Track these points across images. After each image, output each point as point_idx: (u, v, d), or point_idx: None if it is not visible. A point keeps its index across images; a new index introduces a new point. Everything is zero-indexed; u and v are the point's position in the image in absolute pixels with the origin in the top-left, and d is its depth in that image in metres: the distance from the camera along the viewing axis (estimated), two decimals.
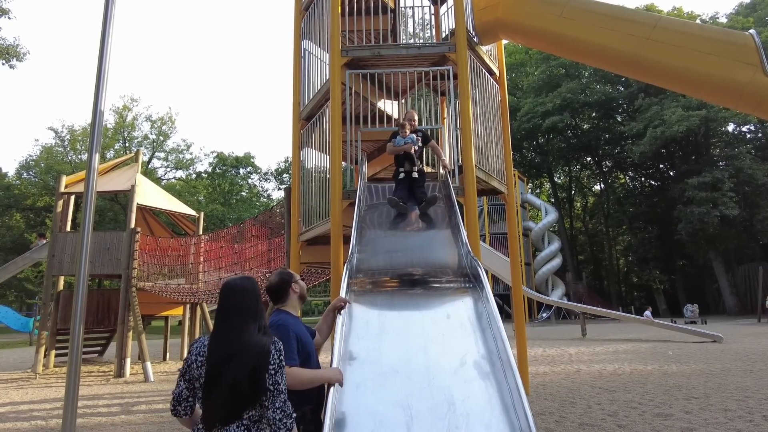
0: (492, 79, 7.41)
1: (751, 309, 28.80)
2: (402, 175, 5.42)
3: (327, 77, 6.51)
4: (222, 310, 2.12)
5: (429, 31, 8.27)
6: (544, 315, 32.65)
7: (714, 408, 6.77)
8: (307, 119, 7.32)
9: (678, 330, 18.26)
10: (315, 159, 7.09)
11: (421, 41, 7.57)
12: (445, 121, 7.84)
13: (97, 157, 6.77)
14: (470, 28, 6.65)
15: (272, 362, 1.98)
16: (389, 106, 7.54)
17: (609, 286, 41.44)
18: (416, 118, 5.93)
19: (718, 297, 33.77)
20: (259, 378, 1.96)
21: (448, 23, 7.16)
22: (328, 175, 6.23)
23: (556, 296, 31.38)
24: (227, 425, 1.95)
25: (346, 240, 5.44)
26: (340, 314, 3.17)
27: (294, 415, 2.05)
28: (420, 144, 5.65)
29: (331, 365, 2.78)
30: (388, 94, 7.22)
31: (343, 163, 6.23)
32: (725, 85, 5.43)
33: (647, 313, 20.20)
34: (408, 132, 5.57)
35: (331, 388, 2.56)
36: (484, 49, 7.17)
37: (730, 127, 34.28)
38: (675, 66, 5.67)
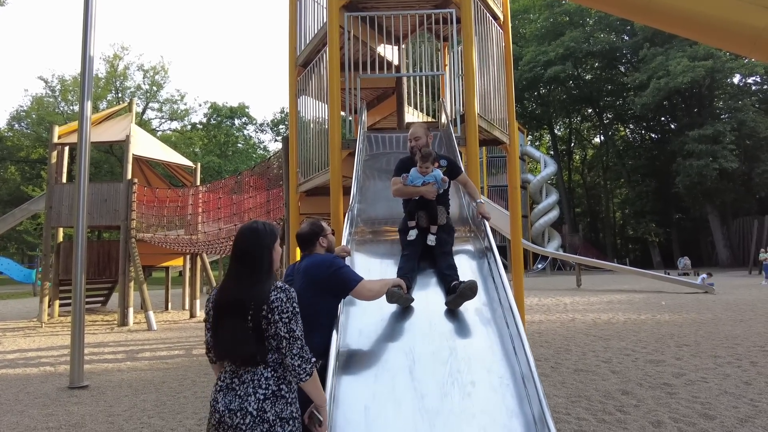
0: (496, 24, 7.12)
1: (743, 262, 29.25)
2: (413, 235, 3.44)
3: (324, 20, 6.25)
4: (232, 254, 2.13)
5: None
6: (540, 266, 33.17)
7: (704, 355, 6.96)
8: (303, 66, 7.08)
9: (672, 281, 18.61)
10: (313, 108, 6.92)
11: None
12: (447, 67, 7.61)
13: (89, 105, 6.59)
14: None
15: (285, 310, 1.98)
16: (389, 52, 7.28)
17: (605, 238, 41.87)
18: (423, 135, 3.76)
19: (712, 250, 34.21)
20: (264, 324, 1.96)
21: None
22: (326, 126, 6.09)
23: (552, 248, 31.74)
24: (255, 367, 1.97)
25: (345, 191, 5.38)
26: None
27: (314, 360, 2.06)
28: (447, 183, 3.59)
29: None
30: (388, 39, 6.96)
31: (341, 113, 6.08)
32: (739, 31, 5.17)
33: (703, 276, 17.99)
34: (431, 166, 3.51)
35: (335, 335, 2.58)
36: None
37: (736, 79, 33.61)
38: (685, 9, 5.38)
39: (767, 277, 19.75)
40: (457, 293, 2.96)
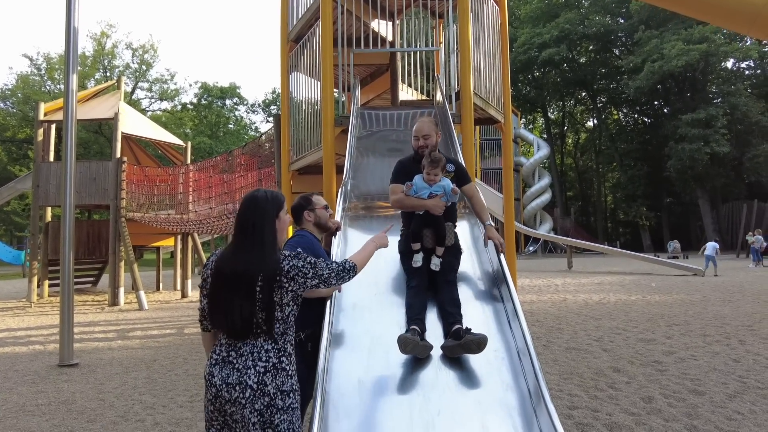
0: (492, 1, 6.99)
1: (731, 245, 29.57)
2: (419, 261, 2.91)
3: None
4: (234, 224, 2.06)
5: None
6: (531, 248, 33.36)
7: (694, 333, 7.04)
8: (295, 41, 6.93)
9: (661, 264, 18.80)
10: (305, 85, 6.79)
11: None
12: (442, 44, 7.48)
13: (75, 78, 6.41)
14: None
15: (306, 271, 1.98)
16: (383, 27, 7.14)
17: (596, 222, 42.12)
18: (433, 133, 3.19)
19: (701, 234, 34.55)
20: (278, 294, 1.90)
21: None
22: (317, 106, 5.98)
23: (544, 230, 31.87)
24: (254, 339, 1.90)
25: (338, 170, 5.30)
26: (335, 236, 3.11)
27: (349, 265, 2.13)
28: (458, 194, 3.05)
29: None
30: (382, 14, 6.81)
31: (335, 91, 5.96)
32: (738, 8, 5.13)
33: (713, 244, 16.72)
34: (439, 173, 2.97)
35: (328, 310, 2.53)
36: None
37: (730, 63, 33.59)
38: None
39: (755, 260, 20.01)
40: (461, 343, 2.44)
